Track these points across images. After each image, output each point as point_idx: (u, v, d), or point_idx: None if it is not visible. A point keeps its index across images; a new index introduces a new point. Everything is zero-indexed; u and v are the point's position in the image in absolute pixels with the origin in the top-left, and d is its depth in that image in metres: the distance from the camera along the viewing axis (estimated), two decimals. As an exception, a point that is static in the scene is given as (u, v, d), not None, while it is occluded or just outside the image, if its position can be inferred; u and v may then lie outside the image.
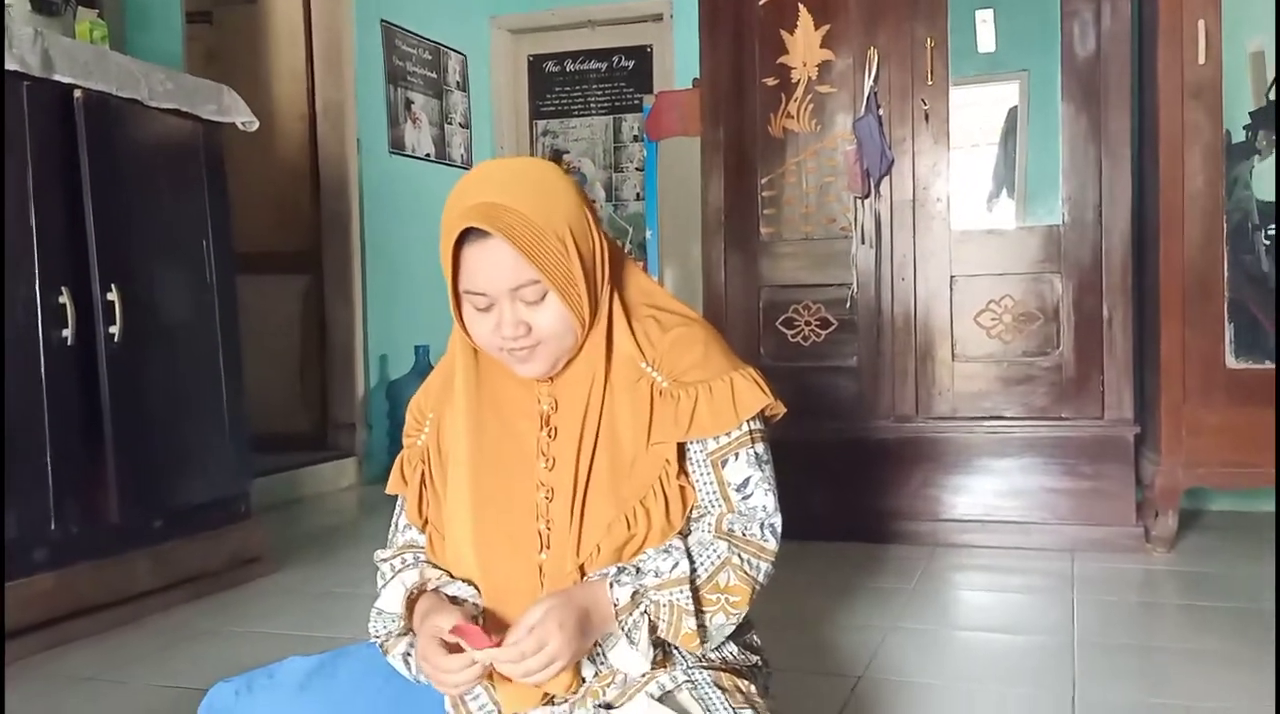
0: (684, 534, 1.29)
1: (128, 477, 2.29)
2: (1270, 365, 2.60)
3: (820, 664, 1.96)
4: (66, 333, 2.16)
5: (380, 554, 1.42)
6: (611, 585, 1.22)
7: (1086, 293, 2.83)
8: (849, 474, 2.97)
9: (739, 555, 1.27)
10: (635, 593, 1.22)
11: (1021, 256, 2.90)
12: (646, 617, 1.22)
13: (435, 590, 1.32)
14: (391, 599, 1.34)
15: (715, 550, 1.27)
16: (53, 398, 2.13)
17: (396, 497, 1.45)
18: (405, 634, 1.32)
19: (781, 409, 1.37)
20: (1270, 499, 3.10)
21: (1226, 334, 2.66)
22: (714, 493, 1.30)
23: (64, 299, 2.15)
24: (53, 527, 2.13)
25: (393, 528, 1.45)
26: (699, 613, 1.24)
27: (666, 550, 1.26)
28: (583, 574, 1.25)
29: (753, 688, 1.28)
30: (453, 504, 1.34)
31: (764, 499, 1.31)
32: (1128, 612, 2.30)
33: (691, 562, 1.25)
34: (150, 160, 2.48)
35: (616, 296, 1.33)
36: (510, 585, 1.28)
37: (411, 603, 1.32)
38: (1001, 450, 2.88)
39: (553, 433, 1.30)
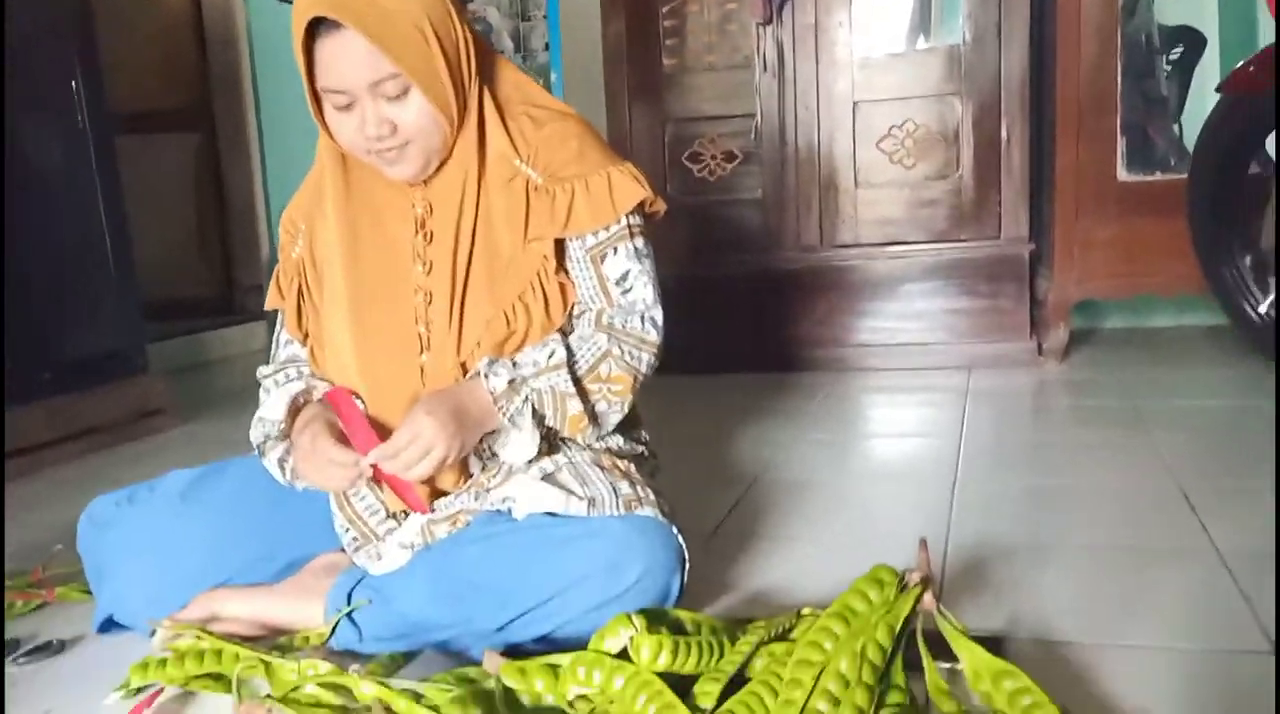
0: (565, 332, 1.29)
1: (9, 327, 2.22)
2: (1161, 176, 2.66)
3: (717, 472, 2.00)
4: (-73, 174, 2.06)
5: (262, 370, 1.41)
6: (487, 376, 1.22)
7: (986, 114, 2.83)
8: (756, 306, 3.00)
9: (619, 346, 1.28)
10: (512, 381, 1.22)
11: (924, 79, 2.88)
12: (529, 404, 1.22)
13: (320, 401, 1.31)
14: (274, 407, 1.33)
15: (595, 343, 1.27)
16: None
17: (278, 313, 1.43)
18: (284, 440, 1.31)
19: (662, 206, 1.36)
20: (1164, 314, 3.21)
21: (1119, 149, 2.70)
22: (594, 288, 1.30)
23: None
24: (-67, 377, 2.08)
25: (274, 345, 1.44)
26: (583, 400, 1.25)
27: (544, 344, 1.26)
28: (465, 374, 1.25)
29: (633, 467, 1.30)
30: (330, 312, 1.32)
31: (644, 292, 1.31)
32: (1016, 415, 2.39)
33: (570, 353, 1.25)
34: (10, 5, 2.34)
35: (487, 93, 1.29)
36: (393, 389, 1.28)
37: (295, 411, 1.31)
38: (904, 275, 2.92)
39: (429, 237, 1.28)
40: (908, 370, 2.87)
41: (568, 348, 1.25)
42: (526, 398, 1.22)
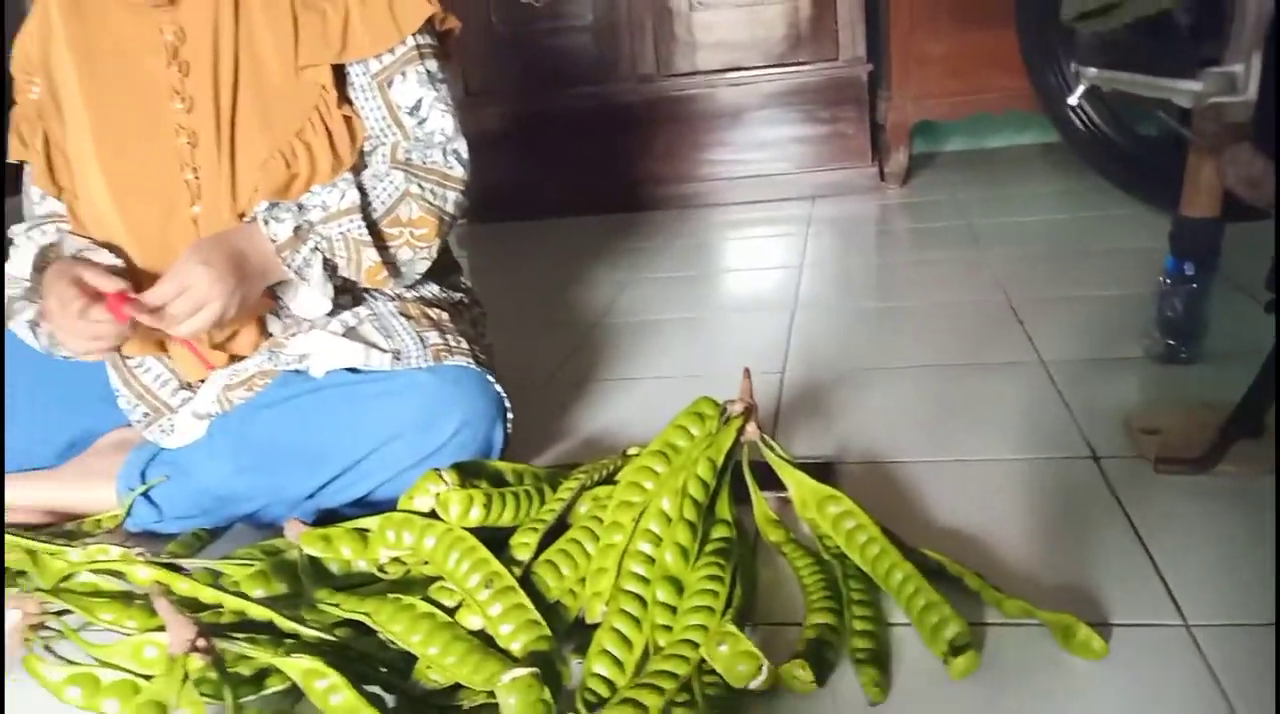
0: (356, 170, 1.16)
1: None
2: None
3: (558, 319, 1.93)
4: None
5: (15, 229, 1.24)
6: (266, 222, 1.09)
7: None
8: (592, 143, 2.87)
9: (419, 184, 1.15)
10: (298, 227, 1.10)
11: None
12: (319, 253, 1.11)
13: (74, 257, 1.15)
14: (20, 262, 1.17)
15: (391, 182, 1.14)
16: None
17: (23, 166, 1.25)
18: (33, 302, 1.16)
19: (456, 23, 1.22)
20: (1001, 135, 3.23)
21: (953, -41, 2.63)
22: (384, 119, 1.16)
23: None
24: None
25: (26, 199, 1.25)
26: (382, 248, 1.14)
27: (333, 185, 1.13)
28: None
29: (446, 317, 1.21)
30: (80, 162, 1.15)
31: (441, 121, 1.18)
32: (856, 241, 2.38)
33: (364, 194, 1.13)
34: None
35: None
36: (162, 244, 1.12)
37: (43, 267, 1.16)
38: (744, 103, 2.84)
39: (184, 68, 1.11)
40: (752, 203, 2.82)
41: (360, 189, 1.12)
42: (315, 247, 1.10)
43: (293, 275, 1.10)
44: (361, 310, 1.17)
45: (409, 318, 1.16)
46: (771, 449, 1.00)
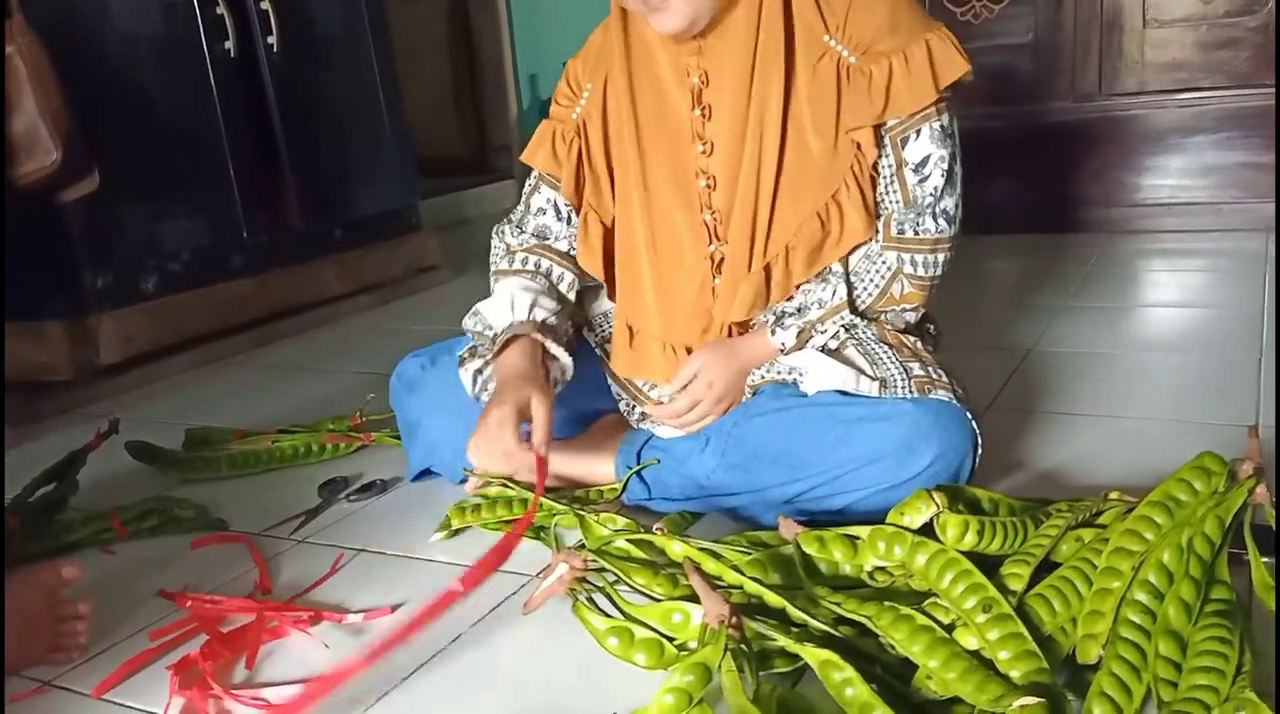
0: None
1: (304, 187, 2.40)
2: None
3: (989, 341, 1.94)
4: (229, 44, 2.20)
5: (509, 235, 1.39)
6: (774, 331, 1.22)
7: (1308, -63, 2.48)
8: (1022, 161, 2.82)
9: (910, 260, 1.21)
10: (800, 331, 1.21)
11: (1232, -100, 2.54)
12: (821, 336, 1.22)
13: (537, 333, 1.27)
14: (497, 312, 1.31)
15: (884, 261, 1.21)
16: (226, 109, 2.21)
17: (531, 172, 1.38)
18: (485, 358, 1.31)
19: (971, 74, 1.24)
20: None
21: None
22: (890, 176, 1.21)
23: (220, 9, 2.17)
24: (245, 234, 2.27)
25: (523, 207, 1.39)
26: (874, 322, 1.23)
27: (824, 278, 1.22)
28: (768, 274, 1.22)
29: (919, 344, 1.27)
30: (619, 184, 1.29)
31: (938, 179, 1.20)
32: (1328, 284, 2.16)
33: (854, 286, 1.21)
34: None
35: None
36: (674, 278, 1.27)
37: (508, 341, 1.27)
38: (1194, 125, 2.66)
39: (706, 112, 1.22)
40: (1193, 232, 2.64)
41: (849, 279, 1.21)
42: (816, 345, 1.22)
43: (796, 377, 1.21)
44: (842, 332, 1.25)
45: (890, 346, 1.22)
46: (1277, 514, 0.97)
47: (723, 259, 1.25)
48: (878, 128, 1.18)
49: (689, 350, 1.28)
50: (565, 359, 1.29)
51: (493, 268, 1.39)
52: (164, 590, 1.15)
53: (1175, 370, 1.72)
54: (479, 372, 1.32)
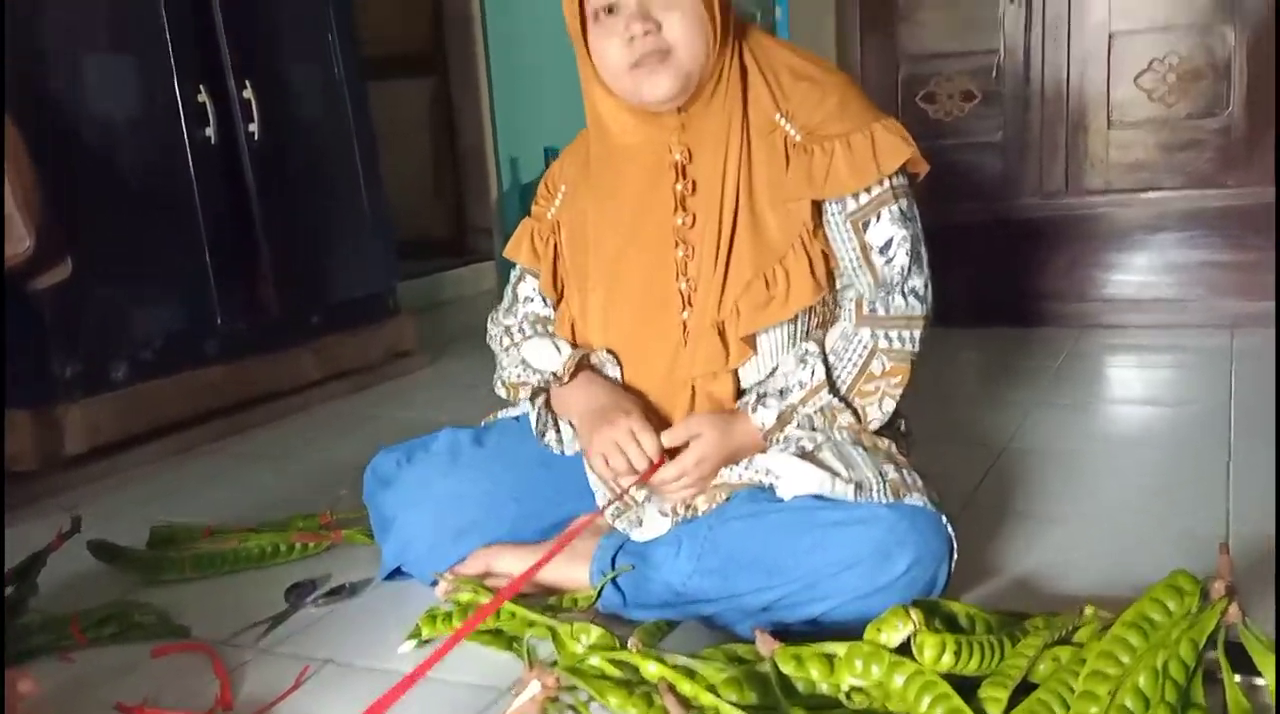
0: (826, 303, 1.27)
1: (282, 272, 2.39)
2: None
3: (962, 438, 1.95)
4: (209, 131, 2.21)
5: (505, 319, 1.44)
6: (755, 410, 1.24)
7: (1262, 46, 2.56)
8: (992, 256, 2.86)
9: (885, 336, 1.24)
10: (781, 413, 1.23)
11: (1189, 5, 2.63)
12: (801, 432, 1.24)
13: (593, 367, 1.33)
14: (544, 357, 1.35)
15: (859, 340, 1.25)
16: (204, 196, 2.20)
17: (515, 266, 1.45)
18: (543, 390, 1.34)
19: (925, 166, 1.30)
20: None
21: None
22: (856, 259, 1.25)
23: (203, 97, 2.19)
24: (219, 321, 2.26)
25: (509, 297, 1.46)
26: (854, 408, 1.25)
27: (802, 360, 1.24)
28: (721, 335, 1.25)
29: (893, 446, 1.28)
30: (591, 265, 1.32)
31: (903, 259, 1.26)
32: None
33: (831, 366, 1.24)
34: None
35: (745, 47, 1.27)
36: (651, 346, 1.29)
37: (575, 368, 1.32)
38: (1158, 224, 2.72)
39: (691, 187, 1.26)
40: (1159, 328, 2.68)
41: (826, 359, 1.24)
42: (798, 425, 1.24)
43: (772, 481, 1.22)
44: (818, 434, 1.26)
45: (864, 448, 1.24)
46: (1252, 634, 0.97)
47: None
48: (819, 205, 1.23)
49: (665, 421, 1.29)
50: (610, 363, 1.33)
51: (504, 344, 1.43)
52: (121, 704, 1.12)
53: (1146, 469, 1.73)
54: (545, 406, 1.34)
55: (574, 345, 1.36)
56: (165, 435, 2.16)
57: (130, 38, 2.09)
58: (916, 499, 1.16)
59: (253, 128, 2.29)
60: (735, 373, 1.29)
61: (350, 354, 2.65)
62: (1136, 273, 2.76)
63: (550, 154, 4.32)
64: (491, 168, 4.34)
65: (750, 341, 1.26)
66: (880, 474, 1.19)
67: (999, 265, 2.86)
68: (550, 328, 1.41)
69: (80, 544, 1.49)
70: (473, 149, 4.33)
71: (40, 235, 1.76)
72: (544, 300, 1.42)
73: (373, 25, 3.92)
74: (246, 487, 1.95)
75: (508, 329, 1.44)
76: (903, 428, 1.39)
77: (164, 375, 2.16)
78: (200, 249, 2.20)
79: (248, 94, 2.27)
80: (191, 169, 2.18)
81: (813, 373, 1.23)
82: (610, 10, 1.20)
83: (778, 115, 1.24)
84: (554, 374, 1.34)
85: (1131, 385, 2.32)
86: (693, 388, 1.28)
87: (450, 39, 4.26)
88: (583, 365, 1.33)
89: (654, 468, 1.22)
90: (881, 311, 1.25)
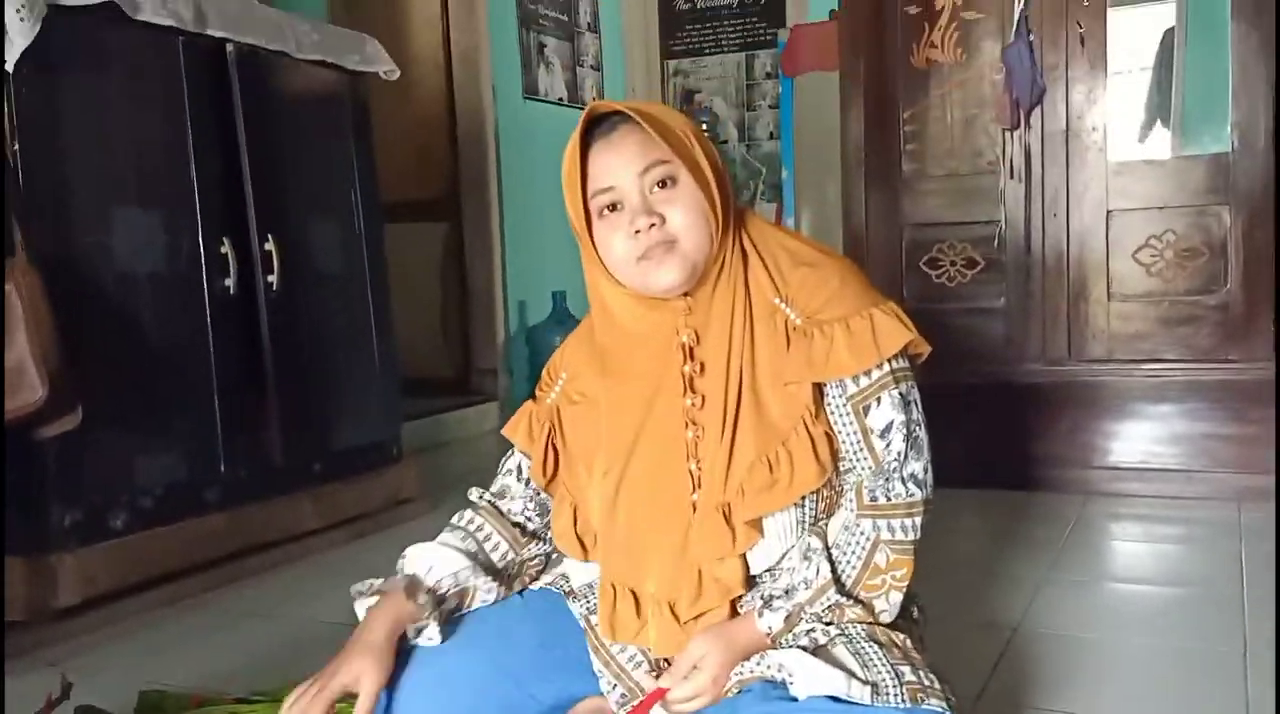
0: (831, 485, 1.26)
1: (289, 421, 2.40)
2: None
3: (972, 616, 1.92)
4: (229, 282, 2.25)
5: (474, 493, 1.42)
6: (761, 614, 1.22)
7: (1257, 226, 2.64)
8: (995, 420, 2.88)
9: (888, 526, 1.23)
10: (788, 615, 1.21)
11: (1184, 188, 2.72)
12: (813, 634, 1.21)
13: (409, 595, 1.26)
14: (420, 561, 1.32)
15: (861, 531, 1.23)
16: (218, 345, 2.23)
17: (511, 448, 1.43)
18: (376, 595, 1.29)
19: (926, 348, 1.29)
20: None
21: None
22: (858, 444, 1.25)
23: (225, 249, 2.23)
24: (222, 469, 2.25)
25: (501, 467, 1.44)
26: (863, 603, 1.22)
27: (806, 557, 1.23)
28: (727, 519, 1.23)
29: (908, 641, 1.25)
30: (610, 448, 1.31)
31: (900, 445, 1.24)
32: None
33: (835, 563, 1.22)
34: (299, 112, 2.55)
35: (745, 234, 1.30)
36: (661, 528, 1.26)
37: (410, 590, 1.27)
38: (1160, 395, 2.74)
39: (699, 368, 1.27)
40: (1163, 499, 2.68)
41: (830, 555, 1.22)
42: (809, 630, 1.21)
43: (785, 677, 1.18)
44: (831, 629, 1.23)
45: (880, 644, 1.21)
46: None
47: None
48: (821, 388, 1.23)
49: (674, 610, 1.26)
50: (430, 629, 1.26)
51: (454, 519, 1.40)
52: None
53: (1161, 658, 1.70)
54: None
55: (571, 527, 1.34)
56: (160, 585, 2.12)
57: (161, 193, 2.15)
58: (935, 703, 1.13)
59: (271, 278, 2.33)
60: (744, 557, 1.27)
61: (351, 502, 2.63)
62: (1140, 441, 2.77)
63: (558, 298, 4.40)
64: (499, 310, 4.40)
65: (756, 525, 1.25)
66: (896, 675, 1.16)
67: (1003, 428, 2.88)
68: (498, 513, 1.38)
69: (69, 710, 1.44)
70: (482, 291, 4.40)
71: (54, 387, 1.78)
72: (518, 475, 1.40)
73: (393, 174, 4.05)
74: (239, 646, 1.90)
75: (473, 503, 1.41)
76: (915, 615, 1.37)
77: (163, 524, 2.13)
78: (210, 397, 2.21)
79: (269, 246, 2.32)
80: (209, 318, 2.21)
81: (818, 570, 1.21)
82: (614, 207, 1.23)
83: (777, 299, 1.26)
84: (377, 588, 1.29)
85: (1141, 561, 2.29)
86: (699, 572, 1.27)
87: (466, 187, 4.38)
88: (413, 589, 1.27)
89: (657, 695, 1.19)
90: (882, 500, 1.23)
